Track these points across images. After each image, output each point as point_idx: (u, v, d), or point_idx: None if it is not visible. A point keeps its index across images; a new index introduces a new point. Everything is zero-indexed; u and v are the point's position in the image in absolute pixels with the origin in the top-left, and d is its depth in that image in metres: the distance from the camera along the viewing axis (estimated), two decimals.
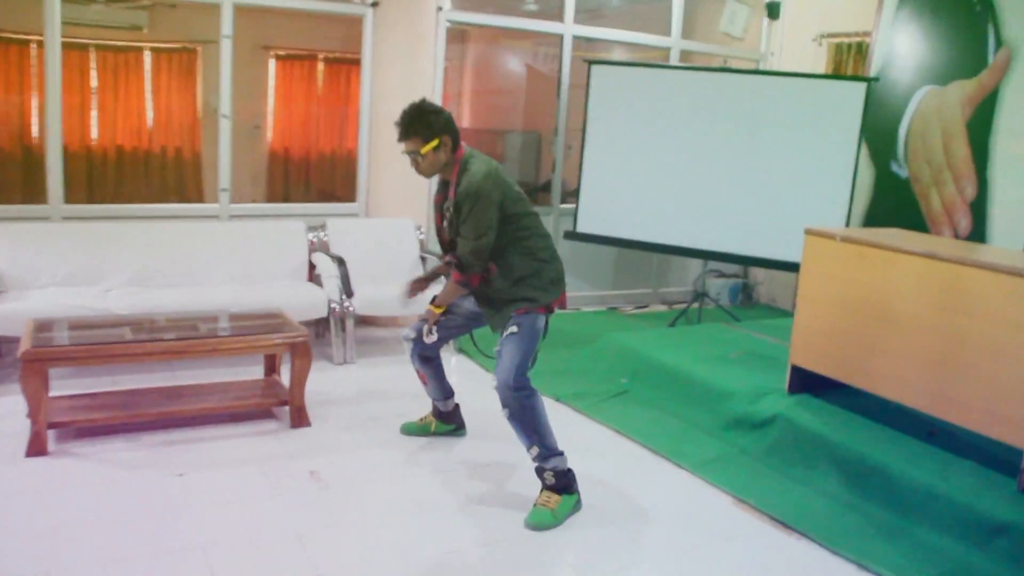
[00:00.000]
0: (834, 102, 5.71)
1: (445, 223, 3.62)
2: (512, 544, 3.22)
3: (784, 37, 7.19)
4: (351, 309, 5.20)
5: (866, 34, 6.41)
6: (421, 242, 5.87)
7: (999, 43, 5.56)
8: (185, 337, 4.03)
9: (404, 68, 5.83)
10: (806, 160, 5.80)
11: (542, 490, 3.46)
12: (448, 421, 4.23)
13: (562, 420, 4.22)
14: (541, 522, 3.34)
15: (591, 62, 6.18)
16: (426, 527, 3.30)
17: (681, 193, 6.08)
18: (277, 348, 4.23)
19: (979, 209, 5.60)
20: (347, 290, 5.20)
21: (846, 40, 6.66)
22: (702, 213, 6.03)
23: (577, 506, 3.47)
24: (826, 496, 3.72)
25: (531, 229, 3.54)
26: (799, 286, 4.33)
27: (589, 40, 6.53)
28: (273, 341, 4.17)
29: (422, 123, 3.43)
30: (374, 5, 5.83)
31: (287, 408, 4.21)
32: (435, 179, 3.67)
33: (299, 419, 4.19)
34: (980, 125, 5.62)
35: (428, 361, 4.01)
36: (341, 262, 5.29)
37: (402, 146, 3.50)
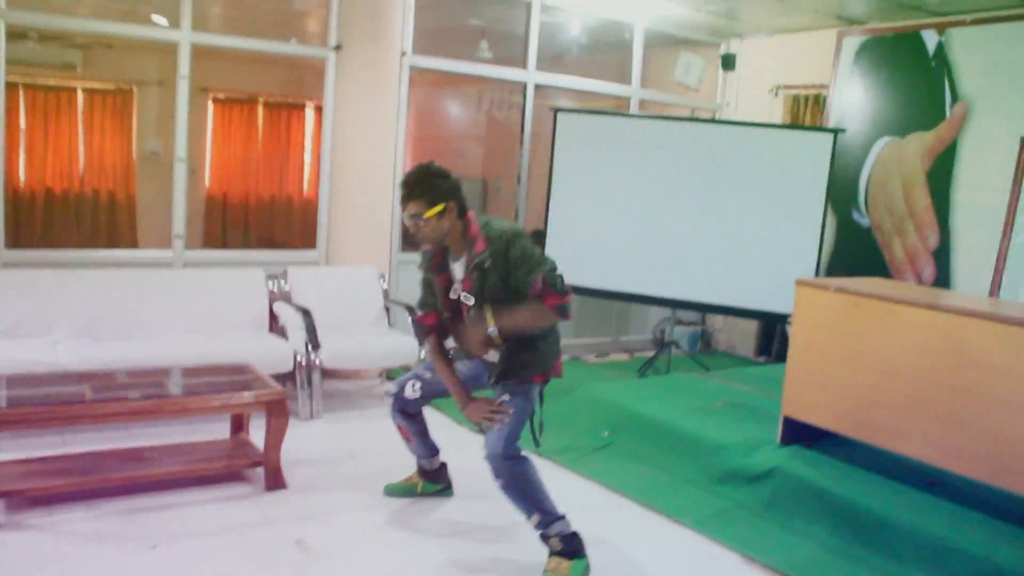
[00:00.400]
0: (800, 152, 5.77)
1: (461, 295, 3.35)
2: None
3: (740, 88, 7.29)
4: (318, 362, 4.93)
5: (823, 86, 6.54)
6: (385, 292, 5.65)
7: (955, 97, 5.72)
8: (152, 396, 3.74)
9: (366, 113, 5.64)
10: (773, 208, 5.82)
11: (550, 555, 3.27)
12: (434, 480, 3.99)
13: (547, 475, 3.98)
14: None
15: (557, 110, 6.12)
16: None
17: (648, 241, 6.03)
18: (251, 407, 3.95)
19: (942, 257, 5.70)
20: (314, 342, 4.94)
21: (803, 92, 6.78)
22: (670, 261, 5.98)
23: (587, 572, 3.26)
24: (833, 551, 3.61)
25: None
26: (791, 337, 4.26)
27: (538, 87, 6.41)
28: (247, 400, 3.88)
29: (427, 186, 3.19)
30: (337, 49, 5.66)
31: (260, 469, 3.92)
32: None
33: (274, 482, 3.90)
34: (940, 176, 5.75)
35: (410, 417, 3.78)
36: (306, 313, 5.04)
37: (407, 207, 3.23)
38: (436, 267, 3.40)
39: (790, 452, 4.18)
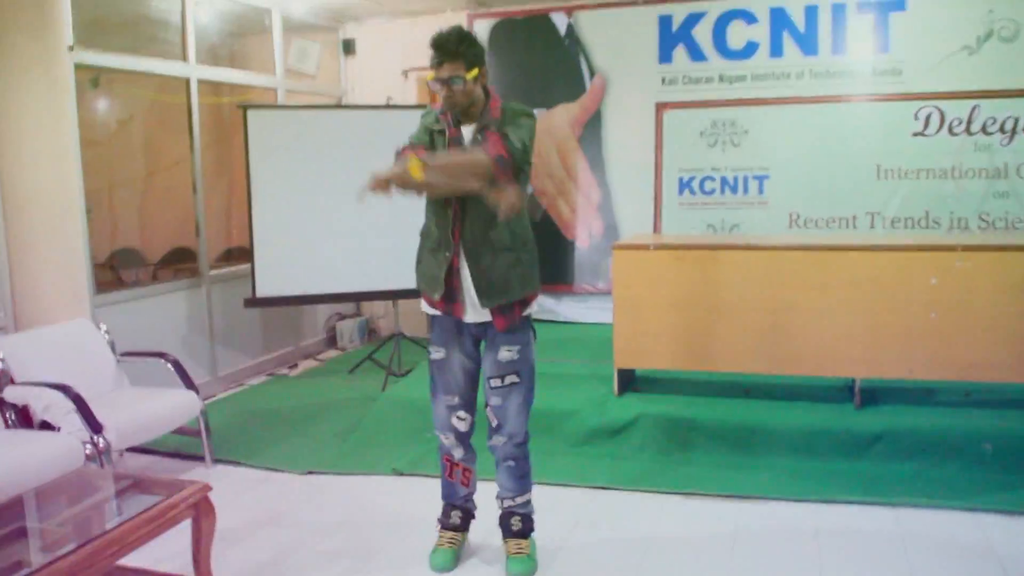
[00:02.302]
0: None
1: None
2: None
3: (363, 72, 7.27)
4: (110, 445, 3.92)
5: None
6: (111, 344, 4.62)
7: (592, 72, 6.60)
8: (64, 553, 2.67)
9: (41, 124, 4.47)
10: None
11: (508, 539, 3.32)
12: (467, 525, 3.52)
13: (420, 489, 4.00)
14: (528, 570, 3.23)
15: (246, 107, 5.50)
16: None
17: (359, 235, 5.83)
18: (181, 514, 3.06)
19: (607, 210, 6.61)
20: (94, 424, 3.91)
21: None
22: (389, 252, 5.87)
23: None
24: (714, 465, 4.25)
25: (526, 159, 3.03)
26: (615, 298, 4.69)
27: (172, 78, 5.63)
28: (178, 505, 3.01)
29: (468, 46, 2.92)
30: None
31: None
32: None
33: None
34: (592, 140, 6.61)
35: (469, 450, 3.35)
36: (67, 389, 3.94)
37: (441, 68, 2.92)
38: (446, 123, 3.05)
39: (637, 398, 4.68)
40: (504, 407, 3.17)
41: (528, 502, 3.31)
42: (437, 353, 3.23)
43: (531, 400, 3.24)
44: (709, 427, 4.40)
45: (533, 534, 3.35)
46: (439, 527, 3.41)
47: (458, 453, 3.32)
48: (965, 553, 3.29)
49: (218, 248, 6.09)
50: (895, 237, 5.50)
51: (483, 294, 3.04)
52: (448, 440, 3.29)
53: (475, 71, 2.93)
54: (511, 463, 3.24)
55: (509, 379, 3.15)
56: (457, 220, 3.03)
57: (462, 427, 3.26)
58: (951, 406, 4.42)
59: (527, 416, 3.23)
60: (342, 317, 7.29)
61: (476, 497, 3.43)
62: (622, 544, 3.48)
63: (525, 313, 3.14)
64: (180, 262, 5.99)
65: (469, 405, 3.26)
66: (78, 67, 4.68)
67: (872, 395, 4.54)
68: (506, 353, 3.12)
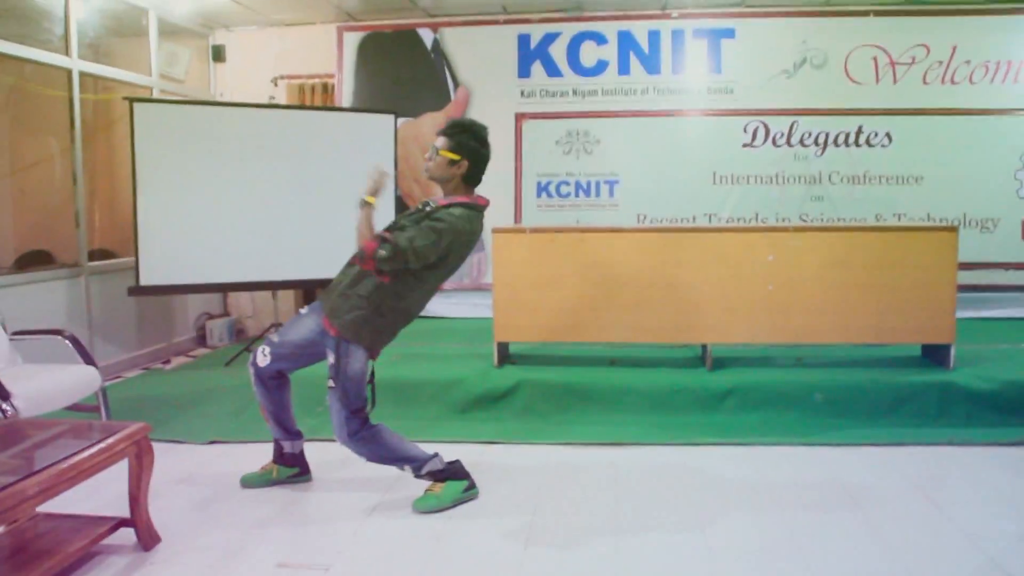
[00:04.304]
0: (367, 133, 6.41)
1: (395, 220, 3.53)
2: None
3: (233, 78, 7.40)
4: (17, 412, 3.94)
5: (329, 75, 7.20)
6: (2, 324, 4.59)
7: (456, 83, 7.06)
8: (31, 472, 2.79)
9: None
10: (351, 185, 6.33)
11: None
12: (291, 464, 3.85)
13: (322, 451, 4.18)
14: (426, 505, 3.53)
15: (132, 100, 5.56)
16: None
17: (246, 227, 5.97)
18: (120, 453, 3.18)
19: None
20: (1, 391, 3.92)
21: (308, 81, 7.30)
22: (269, 245, 6.05)
23: (470, 492, 3.64)
24: (590, 422, 4.70)
25: (427, 284, 3.50)
26: (494, 277, 5.12)
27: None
28: (115, 444, 3.15)
29: (458, 132, 3.46)
30: None
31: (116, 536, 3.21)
32: None
33: (150, 537, 3.27)
34: None
35: (267, 389, 3.68)
36: None
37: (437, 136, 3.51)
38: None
39: (517, 369, 5.10)
40: (330, 406, 3.52)
41: (419, 468, 3.56)
42: None
43: (351, 402, 3.46)
44: (582, 390, 4.86)
45: (460, 481, 3.61)
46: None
47: None
48: (816, 483, 3.79)
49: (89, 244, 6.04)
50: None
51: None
52: None
53: (452, 155, 3.42)
54: (362, 457, 3.57)
55: (328, 383, 3.48)
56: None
57: (261, 360, 3.69)
58: (786, 368, 5.12)
59: (345, 420, 3.47)
60: (211, 316, 7.32)
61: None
62: (514, 487, 3.80)
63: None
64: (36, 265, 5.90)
65: (280, 356, 3.67)
66: None
67: (721, 362, 5.18)
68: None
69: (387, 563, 3.09)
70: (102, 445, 3.02)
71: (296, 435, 3.84)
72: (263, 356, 3.64)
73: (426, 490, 3.59)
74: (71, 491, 3.00)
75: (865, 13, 6.70)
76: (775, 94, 6.77)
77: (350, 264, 3.56)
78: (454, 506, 3.56)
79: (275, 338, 3.67)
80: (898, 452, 4.18)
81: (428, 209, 3.46)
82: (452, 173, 3.48)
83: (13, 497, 2.59)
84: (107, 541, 3.19)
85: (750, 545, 3.15)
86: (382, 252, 3.26)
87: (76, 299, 5.69)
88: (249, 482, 3.83)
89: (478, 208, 3.52)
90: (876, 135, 6.71)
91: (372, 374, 3.54)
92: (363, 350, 3.45)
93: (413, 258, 3.30)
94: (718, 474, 3.92)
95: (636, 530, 3.30)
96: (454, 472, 3.65)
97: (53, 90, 5.68)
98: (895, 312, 4.89)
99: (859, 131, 6.73)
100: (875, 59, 6.70)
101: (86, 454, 2.93)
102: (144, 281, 5.67)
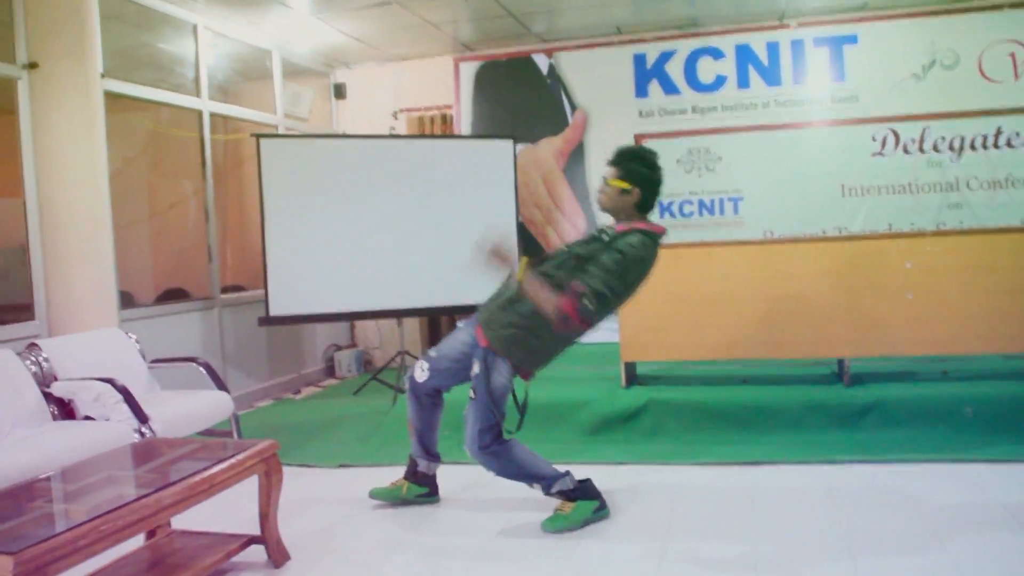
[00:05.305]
0: (487, 159, 6.47)
1: (565, 249, 3.51)
2: None
3: (355, 114, 7.64)
4: (156, 434, 4.09)
5: (447, 107, 7.33)
6: (141, 352, 4.80)
7: (573, 106, 7.06)
8: (167, 483, 2.86)
9: (77, 144, 4.71)
10: (473, 212, 6.41)
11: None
12: (422, 483, 3.85)
13: (447, 472, 4.11)
14: (555, 526, 3.44)
15: (259, 136, 5.80)
16: None
17: (370, 256, 6.11)
18: (252, 468, 3.24)
19: None
20: (141, 415, 4.08)
21: (426, 113, 7.46)
22: (393, 273, 6.15)
23: (600, 513, 3.55)
24: (724, 442, 4.54)
25: (597, 315, 3.30)
26: None
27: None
28: (246, 461, 3.20)
29: (627, 160, 3.42)
30: (31, 67, 4.59)
31: (247, 553, 3.26)
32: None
33: (280, 554, 3.31)
34: (576, 171, 7.03)
35: (420, 406, 3.72)
36: (111, 382, 4.12)
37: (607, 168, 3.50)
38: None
39: (645, 389, 4.98)
40: (466, 416, 3.49)
41: (549, 486, 3.51)
42: None
43: (487, 416, 3.43)
44: (713, 409, 4.72)
45: (591, 502, 3.51)
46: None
47: None
48: (973, 503, 3.52)
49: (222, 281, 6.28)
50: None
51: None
52: None
53: (622, 184, 3.38)
54: (490, 471, 3.55)
55: (469, 393, 3.47)
56: None
57: (419, 375, 3.73)
58: (931, 381, 4.81)
59: (479, 432, 3.44)
60: (339, 348, 7.50)
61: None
62: (645, 508, 3.69)
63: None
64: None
65: (438, 372, 3.70)
66: (107, 94, 4.97)
67: (859, 377, 4.91)
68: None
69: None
70: (233, 460, 3.10)
71: (435, 457, 3.85)
72: (421, 372, 3.66)
73: (556, 509, 3.51)
74: (206, 511, 3.10)
75: (999, 7, 6.35)
76: (904, 99, 6.48)
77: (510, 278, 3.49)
78: (584, 526, 3.47)
79: (433, 353, 3.70)
80: None
81: (606, 239, 3.40)
82: (624, 202, 3.43)
83: (150, 506, 2.67)
84: (239, 558, 3.28)
85: (908, 574, 2.91)
86: (589, 307, 3.17)
87: (210, 331, 5.92)
88: (378, 495, 3.86)
89: (656, 236, 3.44)
90: (1018, 135, 6.30)
91: (526, 399, 3.53)
92: (510, 366, 3.43)
93: (614, 300, 3.28)
94: (862, 494, 3.70)
95: (776, 555, 3.13)
96: (585, 492, 3.55)
97: (185, 131, 5.96)
98: None
99: (998, 132, 6.33)
100: (1012, 55, 6.33)
101: (218, 468, 3.01)
102: (273, 312, 5.85)
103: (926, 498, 3.59)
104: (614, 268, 3.24)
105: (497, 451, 3.46)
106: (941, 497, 3.59)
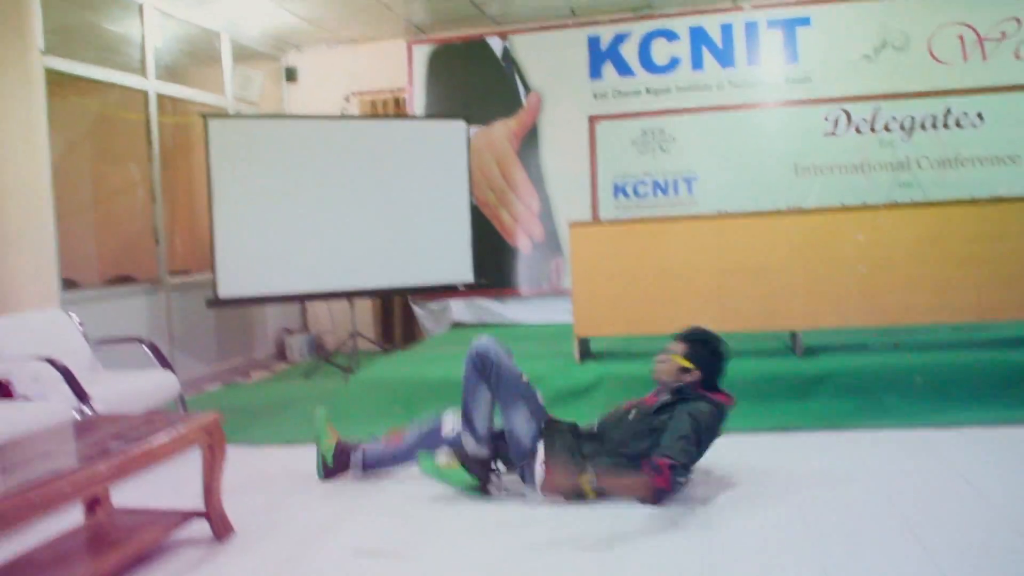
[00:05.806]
0: (439, 141, 6.41)
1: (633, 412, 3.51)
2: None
3: (306, 98, 7.53)
4: (96, 413, 3.98)
5: (400, 90, 7.26)
6: (85, 334, 4.68)
7: (527, 89, 7.02)
8: (103, 453, 2.78)
9: (16, 123, 4.57)
10: (426, 194, 6.36)
11: None
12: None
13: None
14: (430, 468, 3.48)
15: (207, 116, 5.69)
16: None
17: (322, 238, 6.03)
18: (191, 438, 3.15)
19: (546, 218, 6.97)
20: (80, 393, 3.97)
21: (379, 97, 7.38)
22: (345, 255, 6.08)
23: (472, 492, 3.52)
24: None
25: None
26: (572, 273, 4.99)
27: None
28: (187, 432, 3.11)
29: (695, 341, 3.52)
30: None
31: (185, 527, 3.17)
32: None
33: (224, 528, 3.23)
34: (530, 153, 7.00)
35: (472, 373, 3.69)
36: (51, 361, 4.01)
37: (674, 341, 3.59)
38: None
39: (597, 364, 4.96)
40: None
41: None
42: None
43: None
44: None
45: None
46: None
47: None
48: (925, 468, 3.53)
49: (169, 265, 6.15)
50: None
51: None
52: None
53: (685, 362, 3.45)
54: None
55: None
56: None
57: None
58: (883, 352, 4.84)
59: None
60: (290, 332, 7.40)
61: None
62: None
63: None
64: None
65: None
66: (47, 71, 4.83)
67: (812, 349, 4.93)
68: None
69: (466, 548, 2.99)
70: (173, 431, 3.01)
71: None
72: (488, 339, 3.66)
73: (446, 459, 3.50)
74: (152, 491, 3.00)
75: None
76: (855, 80, 6.53)
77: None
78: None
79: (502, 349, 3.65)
80: (1012, 433, 3.89)
81: (683, 396, 3.41)
82: (681, 379, 3.48)
83: (85, 477, 2.58)
84: (184, 535, 3.18)
85: (862, 536, 2.90)
86: (681, 480, 3.24)
87: (157, 314, 5.80)
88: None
89: (724, 409, 3.43)
90: (966, 116, 6.39)
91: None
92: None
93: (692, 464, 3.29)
94: (815, 462, 3.71)
95: (727, 522, 3.12)
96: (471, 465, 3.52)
97: (132, 114, 5.83)
98: (998, 287, 4.58)
99: (947, 113, 6.41)
100: (961, 37, 6.40)
101: (157, 438, 2.91)
102: (222, 294, 5.74)
103: (878, 464, 3.61)
104: (691, 435, 3.24)
105: None
106: (894, 463, 3.61)
